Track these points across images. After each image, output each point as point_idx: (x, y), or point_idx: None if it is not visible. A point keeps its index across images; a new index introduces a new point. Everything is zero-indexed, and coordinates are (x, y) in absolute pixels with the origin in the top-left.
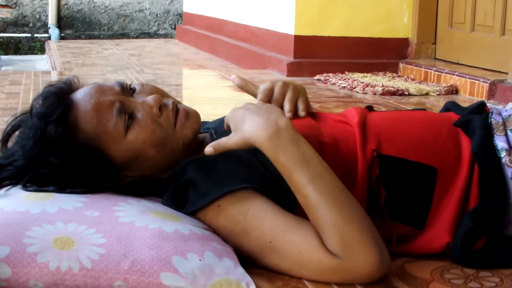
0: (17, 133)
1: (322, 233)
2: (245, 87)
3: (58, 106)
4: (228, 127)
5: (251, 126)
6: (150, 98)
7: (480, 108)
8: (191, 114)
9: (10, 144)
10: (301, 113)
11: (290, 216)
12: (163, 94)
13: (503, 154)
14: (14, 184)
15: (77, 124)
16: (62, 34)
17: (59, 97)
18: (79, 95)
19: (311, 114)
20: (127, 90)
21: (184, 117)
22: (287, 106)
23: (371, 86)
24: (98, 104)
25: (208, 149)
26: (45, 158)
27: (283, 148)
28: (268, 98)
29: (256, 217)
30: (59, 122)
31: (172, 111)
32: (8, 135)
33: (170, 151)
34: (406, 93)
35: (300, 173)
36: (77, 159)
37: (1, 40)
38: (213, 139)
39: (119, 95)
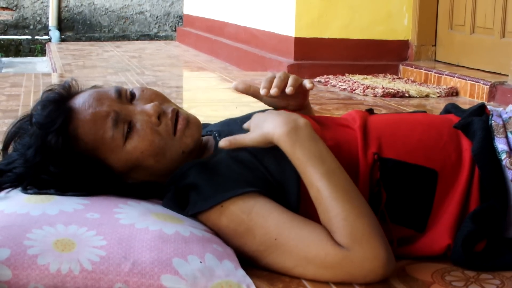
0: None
1: (332, 225)
2: (250, 90)
3: (58, 115)
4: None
5: (270, 123)
6: (149, 107)
7: (481, 110)
8: (191, 122)
9: (10, 149)
10: (308, 85)
11: (295, 215)
12: (163, 100)
13: (503, 156)
14: (14, 186)
15: (76, 134)
16: (63, 36)
17: (58, 105)
18: (78, 103)
19: (313, 117)
20: (125, 97)
21: (184, 126)
22: (291, 80)
23: (372, 88)
24: (95, 114)
25: (223, 143)
26: (46, 167)
27: (301, 143)
28: (271, 84)
29: (260, 215)
30: (59, 133)
31: (171, 119)
32: (9, 141)
33: (169, 160)
34: (407, 95)
35: (316, 167)
36: (77, 168)
37: (2, 42)
38: (216, 142)
39: (116, 103)
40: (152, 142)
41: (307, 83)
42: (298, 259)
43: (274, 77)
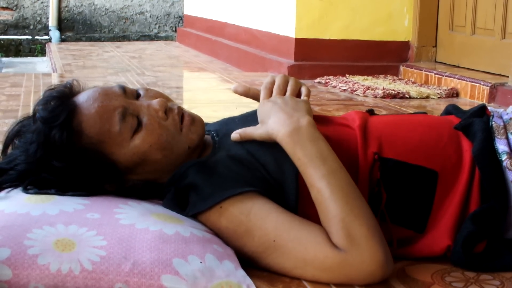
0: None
1: (331, 227)
2: (249, 93)
3: (62, 110)
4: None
5: (274, 122)
6: (155, 102)
7: (481, 111)
8: (196, 120)
9: (10, 150)
10: (304, 98)
11: (294, 215)
12: (167, 99)
13: (504, 157)
14: (15, 186)
15: (81, 129)
16: (63, 36)
17: (62, 101)
18: (82, 99)
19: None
20: (130, 93)
21: (189, 122)
22: (289, 93)
23: (372, 89)
24: (102, 108)
25: (235, 135)
26: (48, 163)
27: (302, 144)
28: (271, 92)
29: (259, 216)
30: (63, 127)
31: (177, 114)
32: (10, 140)
33: (176, 155)
34: (407, 96)
35: (316, 168)
36: (80, 163)
37: (2, 42)
38: (214, 142)
39: (123, 98)
40: (160, 136)
41: (303, 94)
42: (296, 260)
43: (273, 83)
